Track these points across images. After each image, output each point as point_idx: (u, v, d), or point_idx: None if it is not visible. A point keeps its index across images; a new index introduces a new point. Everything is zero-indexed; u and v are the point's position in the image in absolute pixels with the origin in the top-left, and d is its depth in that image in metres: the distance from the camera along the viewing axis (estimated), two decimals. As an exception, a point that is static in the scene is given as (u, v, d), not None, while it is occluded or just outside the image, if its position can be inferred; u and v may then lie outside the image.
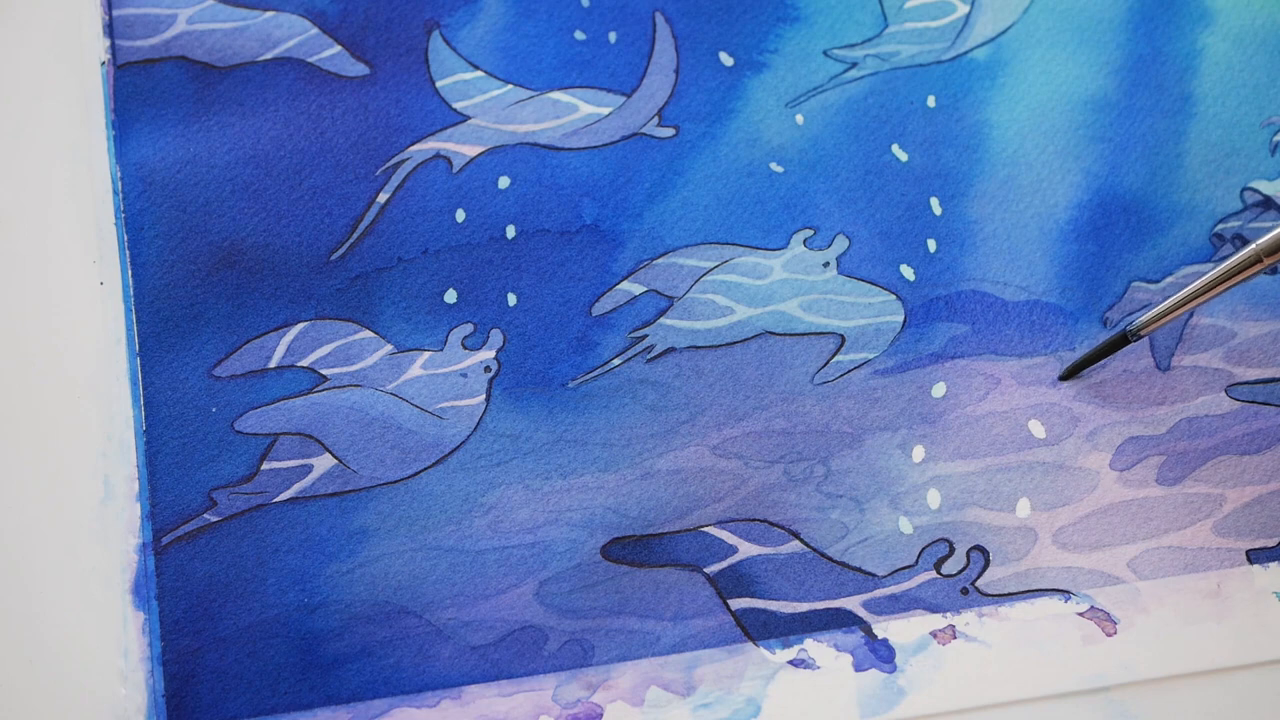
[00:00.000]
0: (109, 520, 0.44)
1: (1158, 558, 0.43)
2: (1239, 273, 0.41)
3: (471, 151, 0.48)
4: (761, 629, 0.42)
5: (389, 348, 0.46)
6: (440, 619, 0.43)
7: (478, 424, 0.45)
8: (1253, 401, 0.44)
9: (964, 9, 0.50)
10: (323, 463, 0.44)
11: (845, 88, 0.49)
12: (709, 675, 0.42)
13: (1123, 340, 0.43)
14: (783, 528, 0.43)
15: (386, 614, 0.43)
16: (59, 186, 0.47)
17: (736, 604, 0.43)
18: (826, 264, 0.46)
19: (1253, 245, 0.40)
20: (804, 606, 0.43)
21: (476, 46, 0.49)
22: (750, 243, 0.47)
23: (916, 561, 0.43)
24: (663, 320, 0.46)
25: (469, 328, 0.46)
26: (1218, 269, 0.41)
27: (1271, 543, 0.43)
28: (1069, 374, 0.44)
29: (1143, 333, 0.43)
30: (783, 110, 0.48)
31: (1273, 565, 0.43)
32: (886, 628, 0.42)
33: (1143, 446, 0.44)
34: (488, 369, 0.45)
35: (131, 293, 0.46)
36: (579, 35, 0.49)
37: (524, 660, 0.42)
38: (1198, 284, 0.41)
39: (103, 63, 0.49)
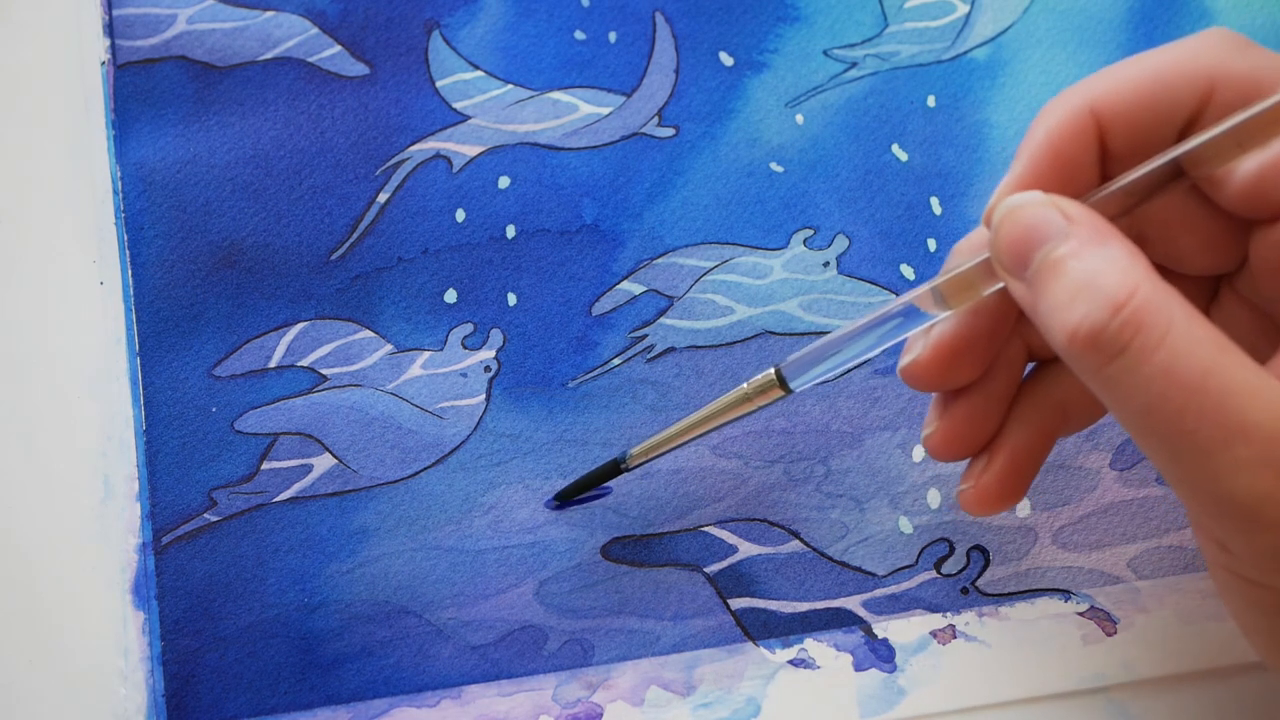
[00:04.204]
0: (109, 520, 0.44)
1: (1158, 558, 0.43)
2: (730, 410, 0.40)
3: (471, 151, 0.48)
4: (761, 629, 0.42)
5: (389, 347, 0.46)
6: (440, 619, 0.43)
7: (478, 424, 0.45)
8: (1253, 401, 0.44)
9: (964, 9, 0.50)
10: (323, 463, 0.44)
11: (845, 88, 0.49)
12: (709, 675, 0.42)
13: (614, 469, 0.43)
14: (783, 527, 0.44)
15: (386, 614, 0.43)
16: (59, 186, 0.47)
17: (736, 604, 0.43)
18: (826, 264, 0.47)
19: (743, 385, 0.40)
20: (804, 606, 0.43)
21: (476, 46, 0.49)
22: (750, 243, 0.47)
23: (916, 561, 0.43)
24: (663, 320, 0.46)
25: (469, 328, 0.46)
26: (709, 408, 0.41)
27: (1271, 543, 0.43)
28: (562, 497, 0.44)
29: (633, 464, 0.42)
30: (783, 110, 0.48)
31: (1273, 565, 0.43)
32: (886, 627, 0.42)
33: (1143, 446, 0.44)
34: (488, 369, 0.45)
35: (131, 293, 0.46)
36: (579, 35, 0.49)
37: (524, 660, 0.42)
38: (695, 417, 0.41)
39: (103, 63, 0.49)
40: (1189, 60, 0.34)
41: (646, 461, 0.43)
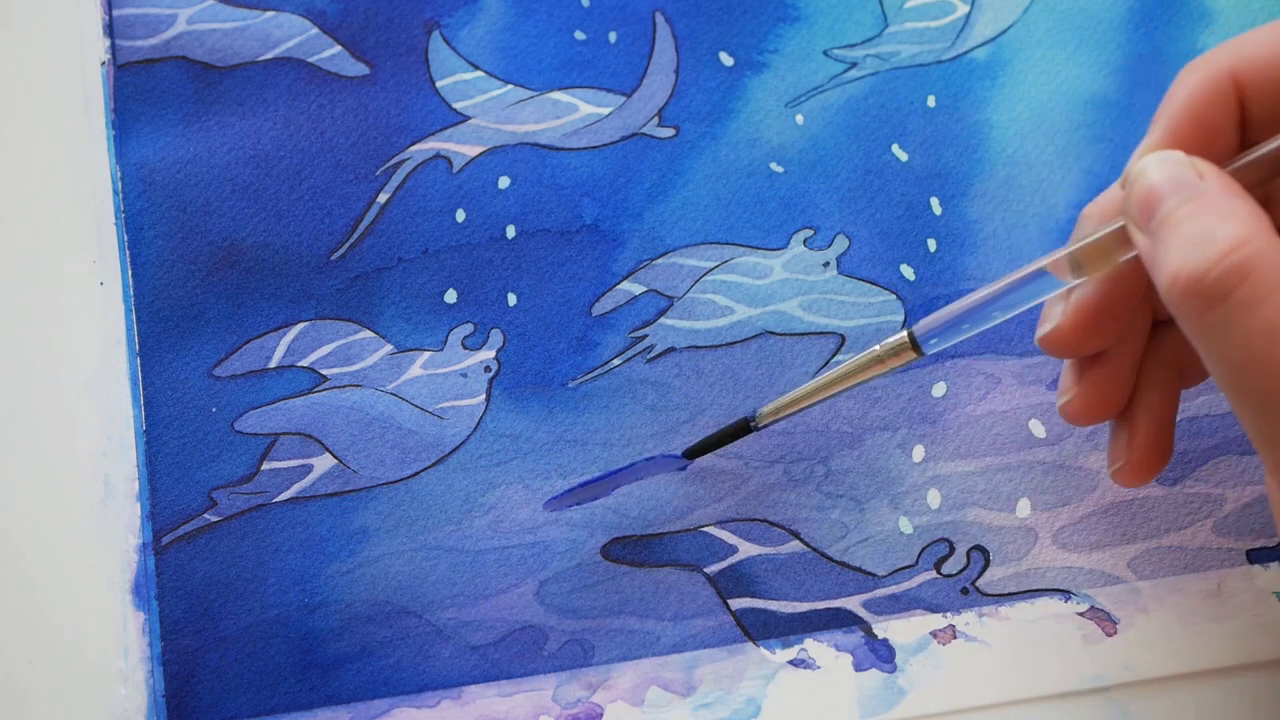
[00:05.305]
0: (109, 520, 0.44)
1: (1158, 558, 0.43)
2: (863, 371, 0.40)
3: (471, 151, 0.48)
4: (761, 629, 0.42)
5: (389, 348, 0.46)
6: (440, 619, 0.43)
7: (478, 424, 0.45)
8: (1253, 401, 0.44)
9: (964, 9, 0.50)
10: (323, 463, 0.44)
11: (845, 88, 0.49)
12: (709, 675, 0.42)
13: (744, 428, 0.42)
14: (783, 528, 0.43)
15: (386, 614, 0.43)
16: (59, 186, 0.47)
17: (736, 604, 0.43)
18: (826, 264, 0.46)
19: (875, 346, 0.40)
20: (804, 606, 0.43)
21: (476, 46, 0.49)
22: (750, 243, 0.47)
23: (916, 561, 0.43)
24: (663, 320, 0.46)
25: (469, 328, 0.46)
26: (841, 368, 0.40)
27: (1271, 543, 0.43)
28: (692, 453, 0.43)
29: (762, 424, 0.42)
30: (783, 110, 0.48)
31: (1273, 565, 0.43)
32: (886, 628, 0.42)
33: (1143, 446, 0.44)
34: (488, 369, 0.45)
35: (131, 293, 0.46)
36: (579, 35, 0.49)
37: (524, 660, 0.42)
38: (827, 377, 0.40)
39: (103, 63, 0.49)
40: None
41: (775, 421, 0.42)
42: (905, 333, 0.39)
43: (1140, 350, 0.38)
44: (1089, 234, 0.36)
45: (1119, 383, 0.38)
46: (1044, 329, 0.38)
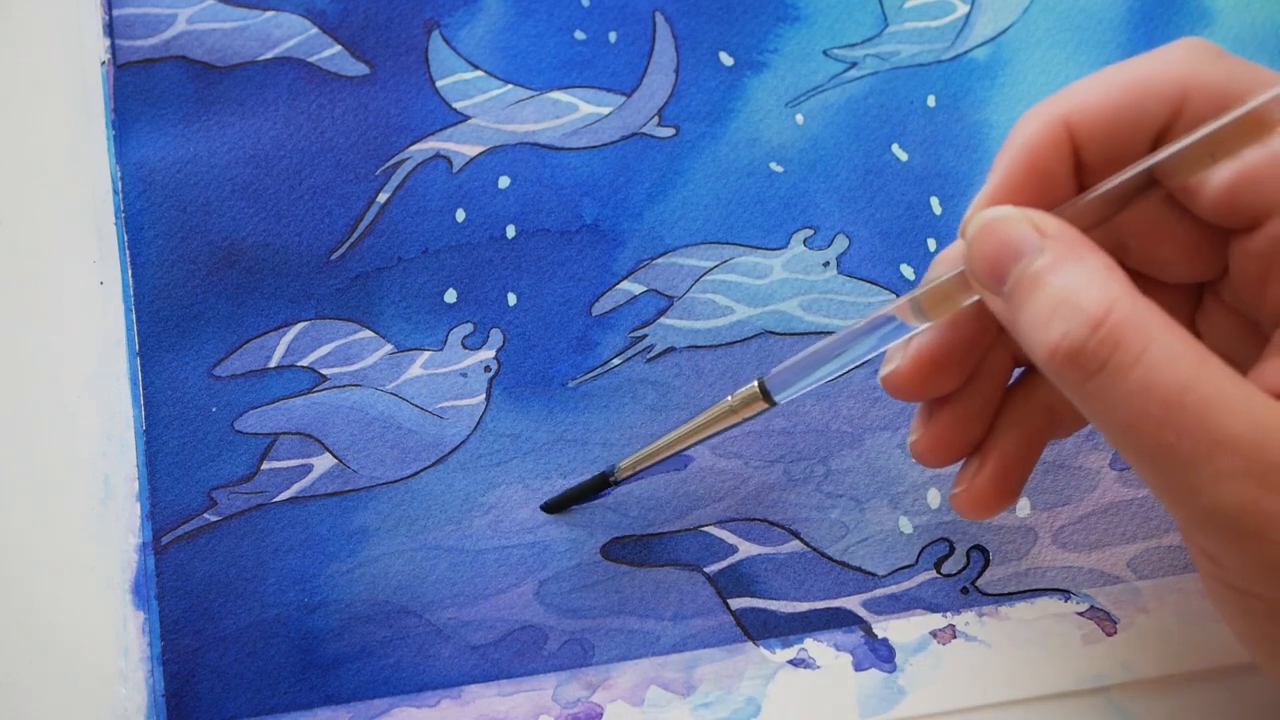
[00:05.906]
0: (109, 520, 0.44)
1: (1158, 558, 0.43)
2: (715, 423, 0.40)
3: (471, 151, 0.48)
4: (761, 629, 0.42)
5: (389, 347, 0.46)
6: (440, 619, 0.43)
7: (478, 424, 0.45)
8: (1253, 401, 0.44)
9: (964, 9, 0.50)
10: (323, 462, 0.44)
11: (845, 87, 0.49)
12: (709, 675, 0.42)
13: (603, 482, 0.43)
14: (783, 527, 0.44)
15: (386, 614, 0.43)
16: (59, 186, 0.47)
17: (736, 604, 0.43)
18: (826, 264, 0.47)
19: (728, 398, 0.40)
20: (804, 606, 0.43)
21: (476, 46, 0.49)
22: (750, 242, 0.47)
23: (916, 561, 0.43)
24: (663, 320, 0.46)
25: (469, 327, 0.46)
26: (694, 421, 0.41)
27: (1271, 542, 0.43)
28: (550, 508, 0.44)
29: (621, 478, 0.42)
30: (783, 110, 0.48)
31: (1273, 565, 0.43)
32: (886, 627, 0.42)
33: (1143, 446, 0.44)
34: (488, 369, 0.45)
35: (131, 293, 0.46)
36: (579, 35, 0.49)
37: (524, 660, 0.42)
38: (681, 430, 0.41)
39: (103, 63, 0.49)
40: (1161, 70, 0.34)
41: (634, 475, 0.43)
42: (756, 383, 0.39)
43: (995, 394, 0.38)
44: (934, 279, 0.36)
45: (968, 426, 0.38)
46: (884, 370, 0.37)
